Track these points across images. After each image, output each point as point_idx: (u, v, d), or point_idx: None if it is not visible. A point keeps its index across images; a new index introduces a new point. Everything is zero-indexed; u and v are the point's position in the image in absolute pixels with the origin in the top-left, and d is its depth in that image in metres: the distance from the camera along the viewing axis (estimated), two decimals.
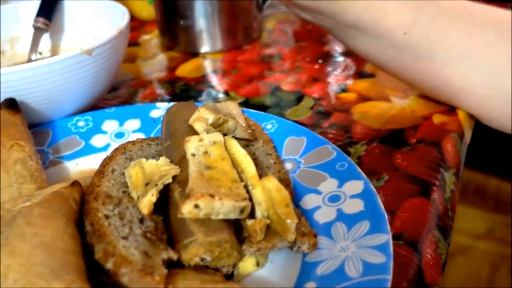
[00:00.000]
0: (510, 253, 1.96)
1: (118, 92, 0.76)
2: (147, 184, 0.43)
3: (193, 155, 0.43)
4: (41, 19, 0.73)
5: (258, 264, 0.42)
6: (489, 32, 0.55)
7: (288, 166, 0.52)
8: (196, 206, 0.38)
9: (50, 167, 0.56)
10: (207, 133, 0.48)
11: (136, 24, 1.03)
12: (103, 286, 0.38)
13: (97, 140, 0.60)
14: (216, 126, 0.50)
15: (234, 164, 0.45)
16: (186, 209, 0.38)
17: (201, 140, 0.44)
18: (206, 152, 0.44)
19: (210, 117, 0.49)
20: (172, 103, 0.60)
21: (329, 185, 0.49)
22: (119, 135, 0.60)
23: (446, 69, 0.57)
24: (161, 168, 0.44)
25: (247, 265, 0.42)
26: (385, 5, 0.55)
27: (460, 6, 0.56)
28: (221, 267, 0.40)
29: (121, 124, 0.61)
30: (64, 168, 0.57)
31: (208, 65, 0.84)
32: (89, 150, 0.59)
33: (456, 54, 0.56)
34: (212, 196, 0.38)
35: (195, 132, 0.49)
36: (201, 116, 0.49)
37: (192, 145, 0.44)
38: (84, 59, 0.58)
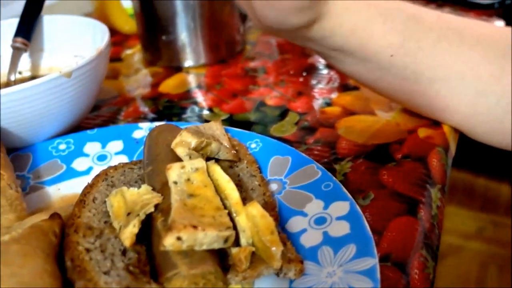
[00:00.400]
0: (498, 251, 1.98)
1: (100, 111, 0.75)
2: (129, 214, 0.42)
3: (175, 183, 0.43)
4: (19, 39, 0.71)
5: None
6: (474, 52, 0.55)
7: (274, 187, 0.52)
8: (179, 239, 0.37)
9: (31, 192, 0.55)
10: (190, 157, 0.47)
11: (118, 39, 1.02)
12: None
13: (79, 164, 0.59)
14: (199, 149, 0.49)
15: (218, 190, 0.44)
16: (169, 242, 0.37)
17: (183, 167, 0.44)
18: (188, 180, 0.43)
19: (193, 141, 0.48)
20: (154, 124, 0.59)
21: (315, 206, 0.48)
22: (102, 157, 0.59)
23: (431, 89, 0.57)
24: (143, 196, 0.43)
25: None
26: (371, 28, 0.55)
27: (446, 24, 0.56)
28: None
29: (103, 146, 0.60)
30: (46, 193, 0.56)
31: (191, 80, 0.84)
32: (71, 174, 0.58)
33: (442, 75, 0.56)
34: (195, 227, 0.38)
35: (177, 157, 0.48)
36: (183, 140, 0.48)
37: (174, 173, 0.43)
38: (64, 82, 0.57)
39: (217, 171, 0.45)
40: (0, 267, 0.34)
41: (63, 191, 0.56)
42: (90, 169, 0.58)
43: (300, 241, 0.45)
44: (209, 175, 0.45)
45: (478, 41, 0.55)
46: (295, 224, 0.47)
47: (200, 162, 0.44)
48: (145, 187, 0.44)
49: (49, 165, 0.59)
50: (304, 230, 0.46)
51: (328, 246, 0.44)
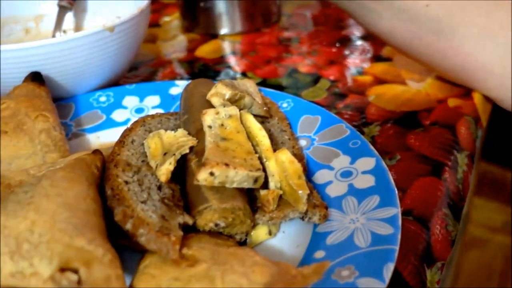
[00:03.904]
0: None
1: (138, 71, 0.78)
2: (165, 154, 0.44)
3: (210, 127, 0.45)
4: None
5: (270, 233, 0.44)
6: (505, 12, 0.55)
7: (302, 143, 0.54)
8: (212, 174, 0.39)
9: (73, 139, 0.59)
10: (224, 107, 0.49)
11: (157, 7, 1.04)
12: (121, 249, 0.40)
13: (117, 115, 0.62)
14: (233, 101, 0.51)
15: (249, 137, 0.46)
16: (202, 176, 0.39)
17: (217, 113, 0.46)
18: (222, 125, 0.45)
19: (227, 93, 0.50)
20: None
21: (341, 161, 0.50)
22: (139, 110, 0.62)
23: (465, 46, 0.58)
24: (179, 139, 0.45)
25: (260, 233, 0.43)
26: None
27: None
28: (235, 235, 0.42)
29: (141, 100, 0.63)
30: (86, 140, 0.59)
31: (226, 46, 0.86)
32: (110, 124, 0.61)
33: (475, 32, 0.56)
34: (227, 165, 0.40)
35: (212, 107, 0.50)
36: (218, 91, 0.50)
37: (208, 118, 0.45)
38: (107, 36, 0.60)
39: (250, 119, 0.47)
40: (47, 187, 0.37)
41: (102, 139, 0.59)
42: (128, 120, 0.61)
43: (326, 191, 0.47)
44: (242, 123, 0.47)
45: (509, 4, 0.56)
46: (321, 176, 0.49)
47: (234, 110, 0.47)
48: (181, 131, 0.47)
49: (90, 115, 0.62)
50: (330, 182, 0.48)
51: (353, 196, 0.45)
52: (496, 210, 2.23)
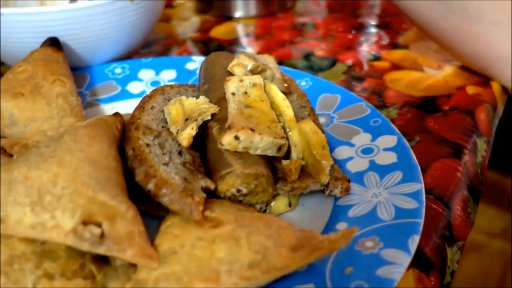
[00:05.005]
0: None
1: (151, 48, 0.77)
2: (186, 119, 0.44)
3: (233, 94, 0.44)
4: None
5: (290, 205, 0.43)
6: None
7: (321, 120, 0.53)
8: (236, 138, 0.39)
9: (88, 108, 0.58)
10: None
11: None
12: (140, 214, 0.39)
13: (133, 87, 0.61)
14: (254, 74, 0.50)
15: (273, 107, 0.45)
16: (226, 140, 0.39)
17: (241, 80, 0.45)
18: (245, 93, 0.44)
19: (249, 64, 0.49)
20: None
21: (362, 138, 0.49)
22: (155, 83, 0.61)
23: (491, 32, 0.57)
24: (200, 106, 0.45)
25: (280, 205, 0.43)
26: None
27: None
28: (255, 204, 0.41)
29: (157, 74, 0.62)
30: (101, 110, 0.58)
31: (241, 29, 0.85)
32: (125, 95, 0.60)
33: (503, 19, 0.56)
34: (252, 130, 0.39)
35: None
36: (241, 62, 0.50)
37: (232, 85, 0.45)
38: (126, 5, 0.59)
39: (274, 89, 0.46)
40: (70, 142, 0.36)
41: (117, 110, 0.58)
42: (143, 92, 0.60)
43: (346, 167, 0.46)
44: (265, 93, 0.46)
45: None
46: (341, 152, 0.48)
47: (258, 78, 0.46)
48: (203, 98, 0.46)
49: (105, 85, 0.61)
50: (350, 158, 0.47)
51: (375, 172, 0.45)
52: (495, 216, 2.23)
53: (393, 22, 0.83)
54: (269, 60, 0.55)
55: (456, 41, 0.61)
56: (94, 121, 0.41)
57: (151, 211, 0.40)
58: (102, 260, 0.34)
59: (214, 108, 0.44)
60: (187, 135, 0.42)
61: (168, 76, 0.62)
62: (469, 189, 0.49)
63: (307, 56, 0.74)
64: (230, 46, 0.78)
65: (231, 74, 0.50)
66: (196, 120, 0.43)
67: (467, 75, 0.66)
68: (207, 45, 0.78)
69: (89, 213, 0.32)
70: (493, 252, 2.03)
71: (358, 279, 0.34)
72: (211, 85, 0.49)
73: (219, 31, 0.83)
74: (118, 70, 0.62)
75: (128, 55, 0.67)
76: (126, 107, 0.58)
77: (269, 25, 0.85)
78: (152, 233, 0.37)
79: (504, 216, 2.21)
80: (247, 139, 0.39)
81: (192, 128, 0.42)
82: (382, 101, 0.61)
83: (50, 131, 0.45)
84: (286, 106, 0.45)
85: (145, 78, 0.62)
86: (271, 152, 0.41)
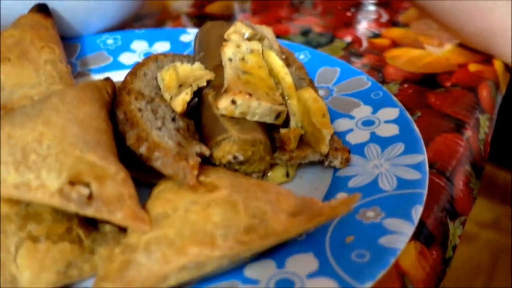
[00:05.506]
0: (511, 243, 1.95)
1: (144, 21, 0.75)
2: (180, 86, 0.42)
3: (230, 60, 0.42)
4: None
5: (287, 176, 0.41)
6: None
7: (320, 93, 0.51)
8: (233, 102, 0.37)
9: (78, 78, 0.56)
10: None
11: None
12: None
13: (125, 58, 0.59)
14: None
15: (271, 74, 0.43)
16: (223, 104, 0.37)
17: (239, 46, 0.43)
18: (243, 59, 0.43)
19: (247, 32, 0.47)
20: None
21: (362, 111, 0.47)
22: (148, 55, 0.59)
23: (497, 10, 0.55)
24: (195, 72, 0.43)
25: (277, 175, 0.41)
26: None
27: None
28: (251, 173, 0.39)
29: (150, 45, 0.60)
30: (92, 80, 0.56)
31: (237, 5, 0.83)
32: (117, 66, 0.58)
33: None
34: (250, 94, 0.37)
35: None
36: (238, 30, 0.47)
37: (229, 50, 0.43)
38: None
39: (272, 56, 0.44)
40: (57, 103, 0.34)
41: None
42: (136, 63, 0.58)
43: (346, 139, 0.45)
44: (263, 59, 0.44)
45: None
46: (341, 124, 0.47)
47: (256, 44, 0.44)
48: (198, 64, 0.44)
49: (96, 56, 0.59)
50: (350, 130, 0.46)
51: (376, 144, 0.43)
52: (487, 207, 2.23)
53: (392, 1, 0.82)
54: (266, 32, 0.53)
55: (461, 17, 0.60)
56: (83, 84, 0.39)
57: (142, 179, 0.38)
58: (91, 225, 0.32)
59: (210, 74, 0.42)
60: (181, 100, 0.40)
61: (162, 47, 0.60)
62: (472, 164, 0.48)
63: (305, 33, 0.72)
64: (225, 21, 0.76)
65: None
66: (191, 86, 0.41)
67: (468, 53, 0.64)
68: (202, 21, 0.76)
69: (77, 173, 0.30)
70: (483, 242, 2.04)
71: (359, 248, 0.32)
72: (207, 53, 0.47)
73: (215, 7, 0.81)
74: (110, 41, 0.60)
75: (120, 28, 0.65)
76: (118, 77, 0.55)
77: (266, 2, 0.83)
78: (143, 201, 0.35)
79: (494, 207, 2.21)
80: (244, 104, 0.37)
81: (187, 94, 0.40)
82: (382, 77, 0.60)
83: (37, 96, 0.43)
84: (285, 73, 0.43)
85: (138, 49, 0.60)
86: (269, 119, 0.39)
